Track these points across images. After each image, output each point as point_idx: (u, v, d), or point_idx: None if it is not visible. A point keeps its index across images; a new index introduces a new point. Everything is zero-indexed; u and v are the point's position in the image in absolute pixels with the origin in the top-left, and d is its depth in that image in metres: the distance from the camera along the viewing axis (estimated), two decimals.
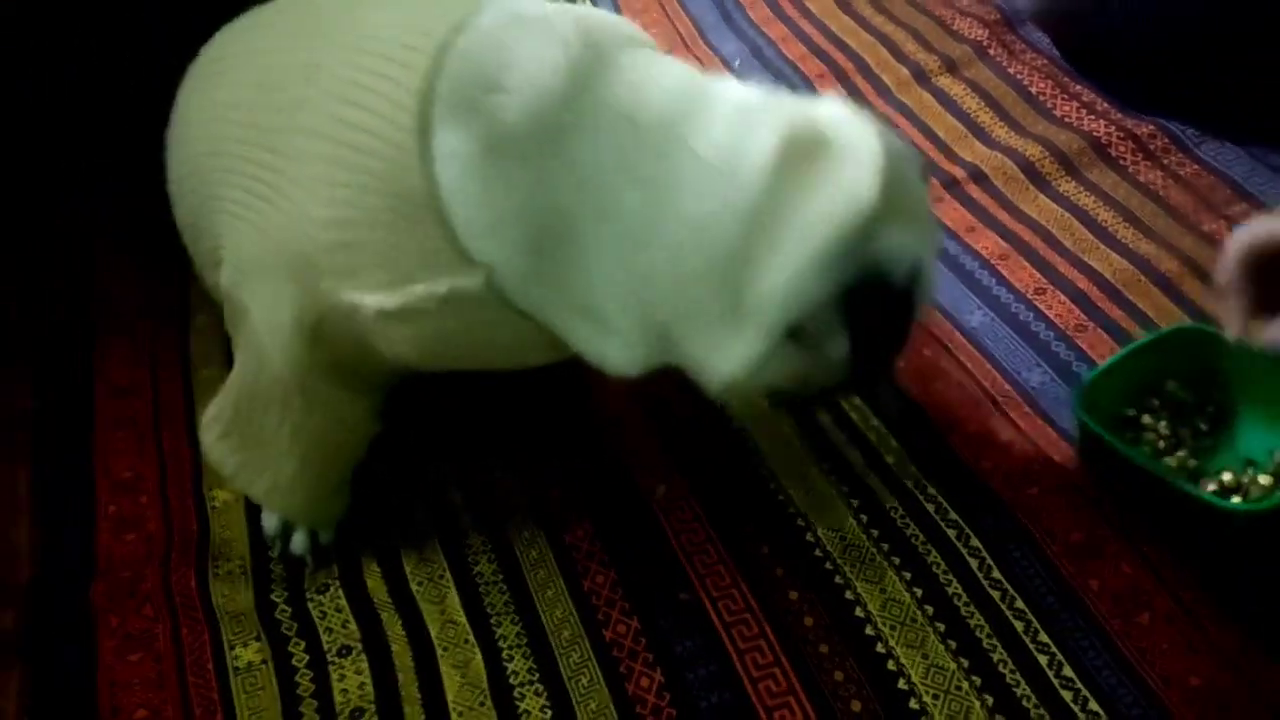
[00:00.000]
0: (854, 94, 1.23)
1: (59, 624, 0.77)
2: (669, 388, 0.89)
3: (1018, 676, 0.69)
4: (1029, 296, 0.96)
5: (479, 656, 0.73)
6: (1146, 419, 0.82)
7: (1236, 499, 0.75)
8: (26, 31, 1.04)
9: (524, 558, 0.79)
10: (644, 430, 0.87)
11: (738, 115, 0.63)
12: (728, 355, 0.63)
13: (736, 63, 1.31)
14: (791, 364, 0.64)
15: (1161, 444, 0.80)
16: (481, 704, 0.71)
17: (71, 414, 0.94)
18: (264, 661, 0.74)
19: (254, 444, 0.74)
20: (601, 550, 0.79)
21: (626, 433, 0.87)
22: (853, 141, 0.62)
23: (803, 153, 0.61)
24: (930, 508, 0.79)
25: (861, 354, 0.64)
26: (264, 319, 0.69)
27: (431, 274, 0.64)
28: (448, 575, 0.78)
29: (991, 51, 1.26)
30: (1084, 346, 0.90)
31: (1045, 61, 1.24)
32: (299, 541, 0.79)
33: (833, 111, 0.65)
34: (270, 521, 0.80)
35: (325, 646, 0.75)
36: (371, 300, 0.65)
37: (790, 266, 0.60)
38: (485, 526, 0.81)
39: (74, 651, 0.75)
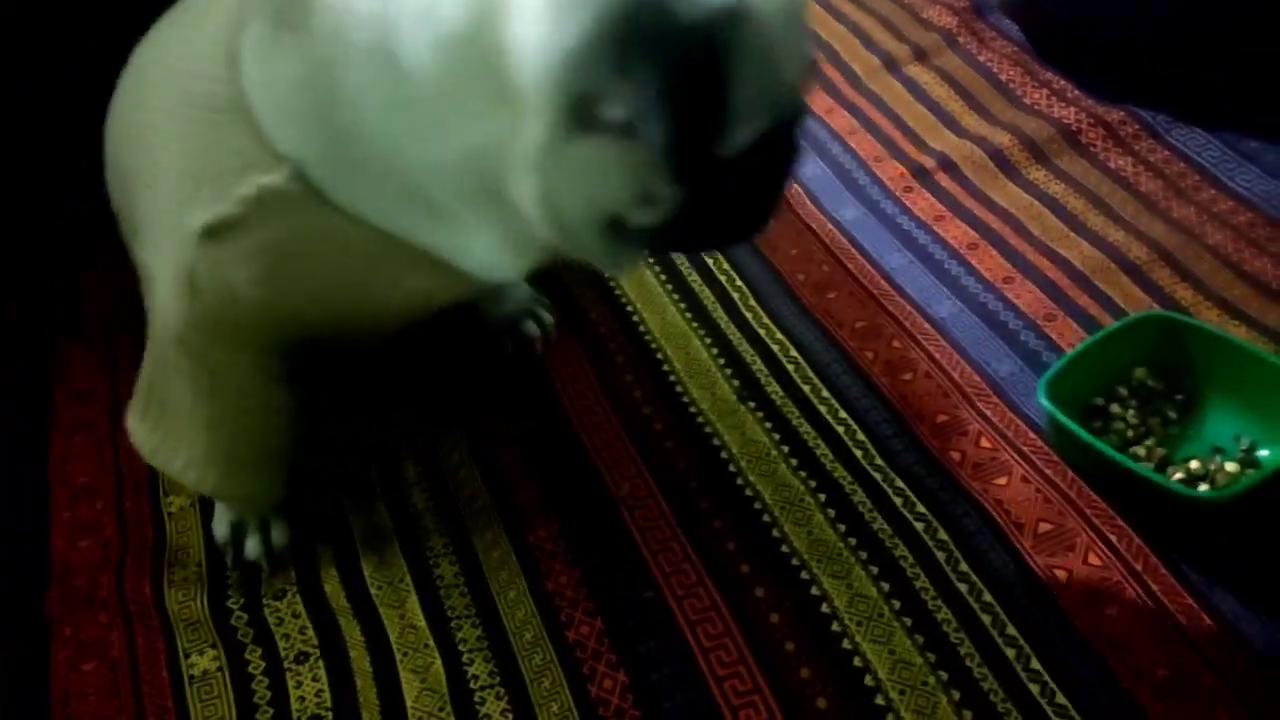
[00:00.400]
0: (823, 83, 1.22)
1: (12, 632, 0.76)
2: (635, 384, 0.89)
3: (985, 670, 0.68)
4: (998, 286, 0.95)
5: (439, 661, 0.72)
6: (1115, 408, 0.81)
7: (1204, 487, 0.74)
8: (26, 31, 1.02)
9: (486, 559, 0.78)
10: (609, 427, 0.86)
11: None
12: (522, 160, 0.53)
13: None
14: (605, 167, 0.53)
15: (1130, 432, 0.79)
16: (441, 709, 0.69)
17: (28, 419, 0.92)
18: (220, 669, 0.73)
19: (167, 419, 0.73)
20: (565, 550, 0.78)
21: (592, 431, 0.86)
22: None
23: None
24: (898, 501, 0.78)
25: (679, 133, 0.50)
26: (158, 278, 0.68)
27: (239, 175, 0.61)
28: (408, 579, 0.77)
29: (961, 39, 1.25)
30: (1053, 335, 0.89)
31: (1015, 49, 1.23)
32: (252, 546, 0.77)
33: None
34: (220, 528, 0.79)
35: (282, 653, 0.73)
36: (197, 218, 0.62)
37: (532, 14, 0.49)
38: (447, 528, 0.80)
39: (27, 660, 0.74)
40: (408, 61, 0.54)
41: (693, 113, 0.50)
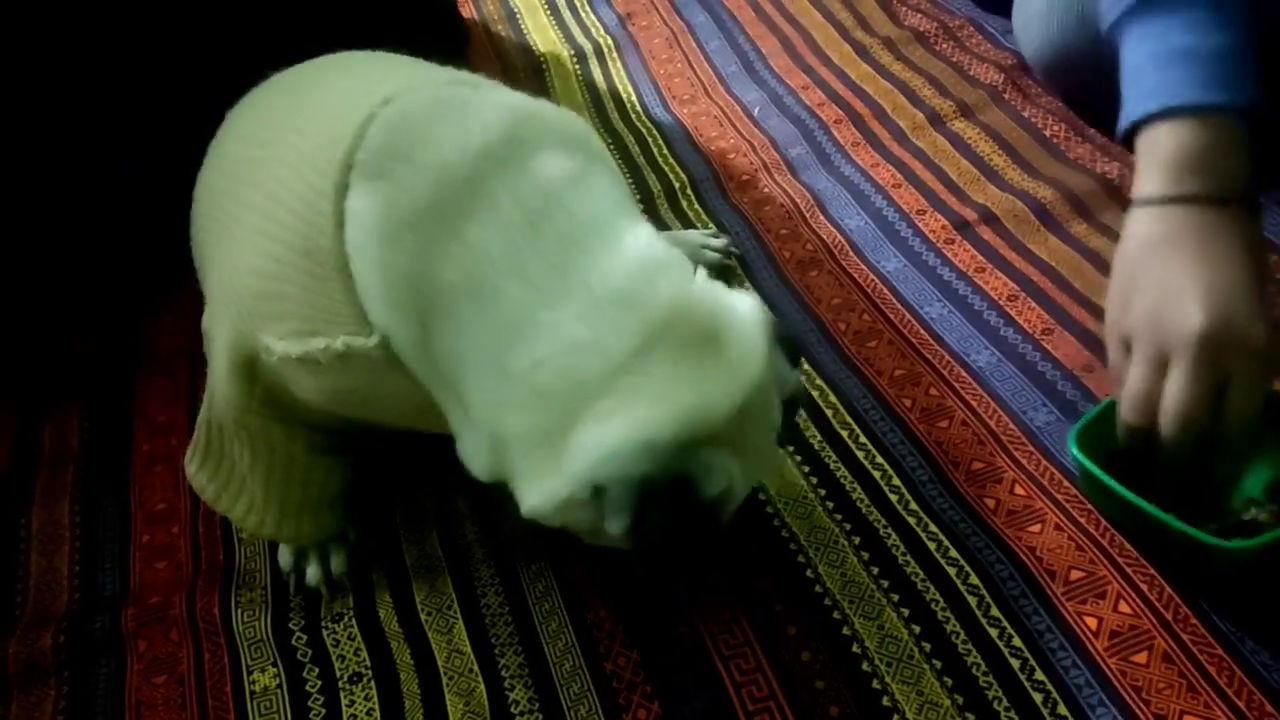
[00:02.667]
0: (870, 138, 1.26)
1: (93, 647, 0.82)
2: None
3: (1012, 714, 0.69)
4: (1037, 337, 0.97)
5: (482, 686, 0.75)
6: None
7: (1237, 536, 0.74)
8: (121, 79, 1.10)
9: (530, 590, 0.81)
10: None
11: (640, 264, 0.65)
12: (537, 486, 0.65)
13: (757, 110, 1.35)
14: (585, 516, 0.66)
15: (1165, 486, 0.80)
16: None
17: (113, 450, 0.99)
18: (279, 686, 0.77)
19: (224, 470, 0.79)
20: (606, 584, 0.81)
21: None
22: (741, 356, 0.65)
23: (691, 333, 0.64)
24: (931, 545, 0.80)
25: (640, 543, 0.65)
26: (216, 352, 0.75)
27: (332, 329, 0.67)
28: (455, 606, 0.81)
29: (1006, 95, 1.28)
30: (1091, 386, 0.91)
31: (1060, 105, 1.25)
32: (312, 574, 0.82)
33: (741, 307, 0.67)
34: (284, 557, 0.84)
35: (338, 673, 0.78)
36: (279, 346, 0.69)
37: (616, 436, 0.62)
38: (494, 560, 0.84)
39: (105, 674, 0.79)
40: (529, 349, 0.63)
41: (661, 538, 0.66)
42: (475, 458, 0.68)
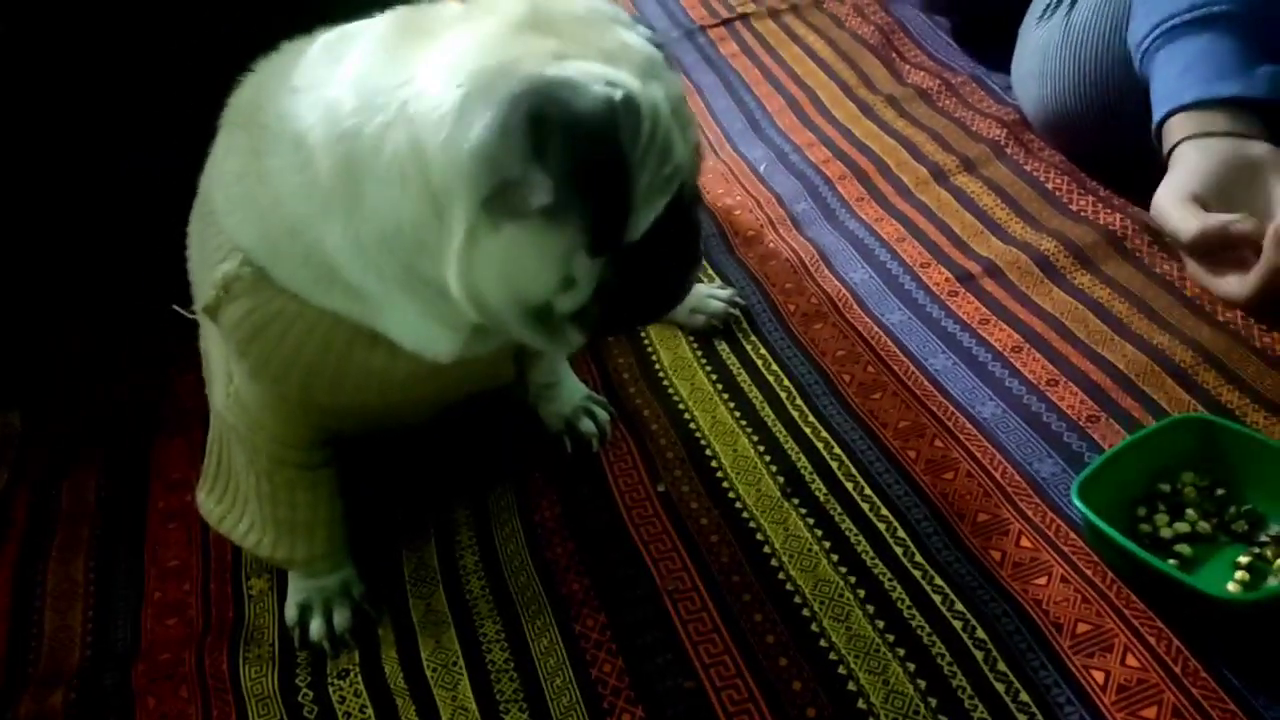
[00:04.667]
0: (874, 193, 1.28)
1: (103, 704, 0.82)
2: (684, 479, 0.93)
3: None
4: (1041, 388, 0.97)
5: None
6: (1157, 508, 0.82)
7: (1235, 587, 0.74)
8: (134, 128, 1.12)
9: (535, 646, 0.82)
10: (658, 521, 0.90)
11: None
12: (443, 249, 0.58)
13: (763, 167, 1.38)
14: (524, 255, 0.57)
15: (1167, 533, 0.79)
16: None
17: (129, 507, 1.01)
18: None
19: (230, 489, 0.81)
20: (610, 640, 0.81)
21: (641, 525, 0.90)
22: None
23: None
24: (937, 599, 0.80)
25: (594, 213, 0.55)
26: (212, 361, 0.78)
27: (213, 266, 0.67)
28: (461, 662, 0.81)
29: (1009, 150, 1.30)
30: (1096, 437, 0.91)
31: (1062, 159, 1.27)
32: (316, 629, 0.83)
33: None
34: (290, 610, 0.85)
35: None
36: (199, 303, 0.70)
37: (441, 112, 0.54)
38: (500, 615, 0.84)
39: None
40: (314, 151, 0.60)
41: (604, 193, 0.56)
42: (419, 327, 0.65)
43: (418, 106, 0.56)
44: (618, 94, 0.55)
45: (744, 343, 1.09)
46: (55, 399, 1.15)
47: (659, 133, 0.58)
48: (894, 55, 1.56)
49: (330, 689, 0.81)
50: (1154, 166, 1.06)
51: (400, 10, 0.64)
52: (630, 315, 0.70)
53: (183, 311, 0.81)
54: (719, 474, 0.94)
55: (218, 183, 0.69)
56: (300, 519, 0.81)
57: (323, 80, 0.62)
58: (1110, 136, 1.18)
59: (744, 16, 1.75)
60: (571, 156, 0.54)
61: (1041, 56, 1.23)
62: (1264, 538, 0.78)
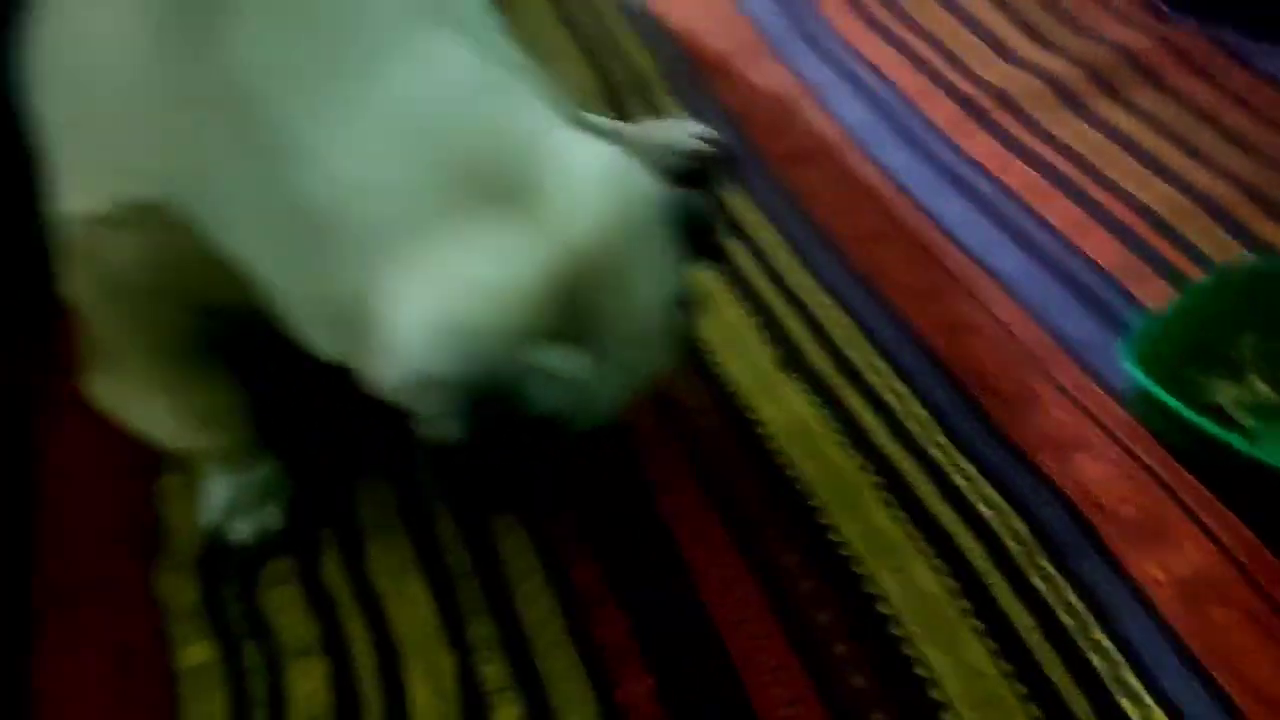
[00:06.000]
0: (858, 10, 1.11)
1: None
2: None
3: (1070, 685, 0.59)
4: (1068, 236, 0.85)
5: (449, 658, 0.64)
6: (1214, 377, 0.71)
7: None
8: None
9: (501, 546, 0.70)
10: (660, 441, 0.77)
11: (450, 80, 0.52)
12: (373, 364, 0.53)
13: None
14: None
15: (1232, 404, 0.70)
16: (450, 716, 0.62)
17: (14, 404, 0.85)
18: (214, 662, 0.66)
19: (118, 371, 0.68)
20: (590, 537, 0.70)
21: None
22: (560, 217, 0.50)
23: (499, 181, 0.50)
24: (963, 485, 0.69)
25: (476, 457, 0.53)
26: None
27: (121, 179, 0.57)
28: (415, 567, 0.69)
29: None
30: (1134, 290, 0.80)
31: None
32: (243, 528, 0.71)
33: (583, 155, 0.53)
34: (210, 511, 0.72)
35: (281, 648, 0.66)
36: (79, 204, 0.59)
37: (424, 322, 0.49)
38: (458, 509, 0.72)
39: (10, 651, 0.67)
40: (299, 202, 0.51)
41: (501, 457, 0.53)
42: (314, 334, 0.56)
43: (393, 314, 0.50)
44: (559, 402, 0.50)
45: (720, 189, 0.94)
46: None
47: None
48: None
49: (262, 600, 0.68)
50: None
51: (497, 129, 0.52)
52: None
53: None
54: (705, 354, 0.81)
55: (158, 91, 0.54)
56: (208, 408, 0.69)
57: (372, 217, 0.50)
58: None
59: None
60: (490, 440, 0.51)
61: None
62: None
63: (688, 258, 0.56)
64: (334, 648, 0.66)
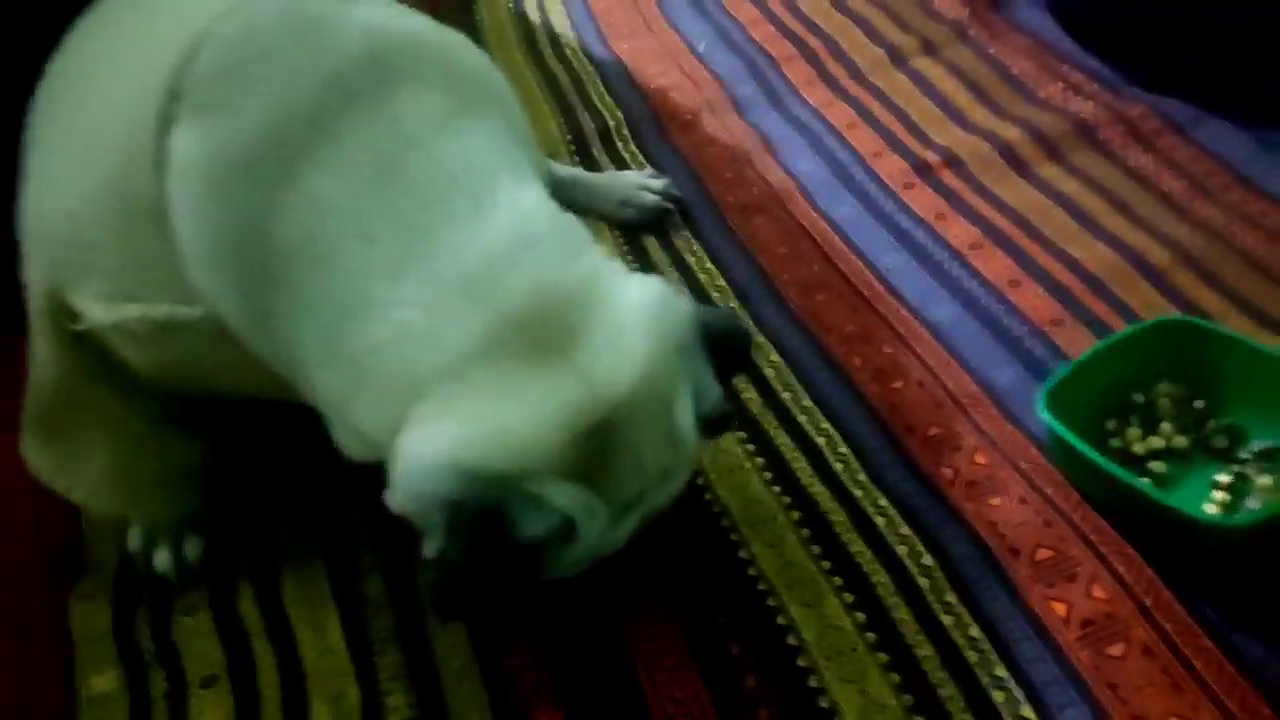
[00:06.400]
0: (824, 76, 1.15)
1: None
2: None
3: (969, 717, 0.59)
4: (1001, 288, 0.87)
5: (355, 688, 0.64)
6: (1127, 422, 0.73)
7: (1248, 503, 0.65)
8: None
9: (419, 578, 0.70)
10: None
11: (508, 237, 0.54)
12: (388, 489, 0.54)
13: (702, 45, 1.23)
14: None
15: (1141, 449, 0.71)
16: None
17: None
18: (119, 690, 0.66)
19: (61, 441, 0.66)
20: None
21: None
22: (605, 366, 0.52)
23: (546, 333, 0.52)
24: (880, 521, 0.70)
25: (436, 575, 0.54)
26: (33, 312, 0.63)
27: (151, 293, 0.57)
28: (330, 597, 0.70)
29: (972, 32, 1.18)
30: (1060, 343, 0.81)
31: (1029, 42, 1.15)
32: (162, 560, 0.71)
33: (631, 300, 0.55)
34: (134, 539, 0.72)
35: (188, 676, 0.66)
36: (93, 311, 0.58)
37: (427, 450, 0.52)
38: (378, 541, 0.73)
39: None
40: (366, 326, 0.53)
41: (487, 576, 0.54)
42: (346, 443, 0.58)
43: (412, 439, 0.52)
44: (546, 530, 0.53)
45: (675, 238, 0.97)
46: None
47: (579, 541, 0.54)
48: None
49: (174, 628, 0.69)
50: (1142, 30, 0.94)
51: (540, 309, 0.53)
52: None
53: None
54: None
55: (191, 219, 0.54)
56: (160, 471, 0.69)
57: (411, 360, 0.53)
58: None
59: None
60: (450, 576, 0.53)
61: None
62: (1245, 454, 0.70)
63: (722, 377, 0.58)
64: (241, 676, 0.66)
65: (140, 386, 0.64)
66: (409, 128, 0.55)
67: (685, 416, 0.55)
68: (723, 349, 0.58)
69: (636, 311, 0.55)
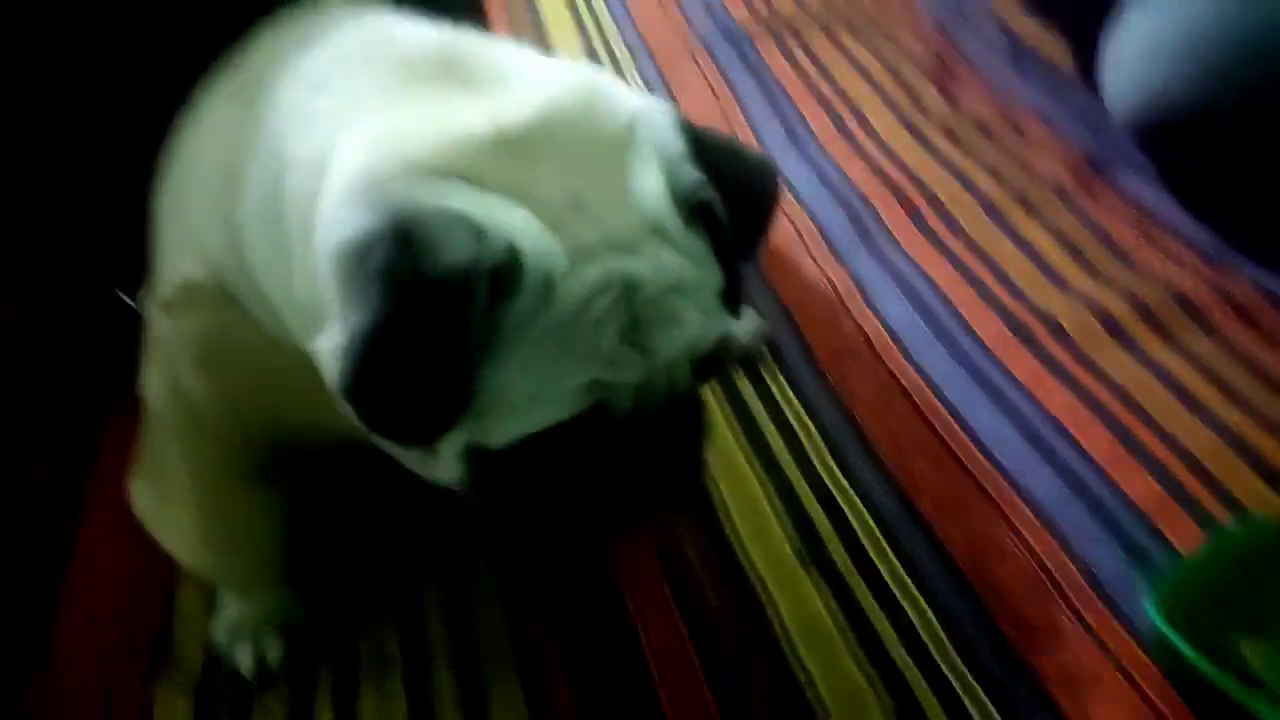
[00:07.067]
0: (922, 226, 1.16)
1: None
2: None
3: None
4: (1103, 465, 0.85)
5: None
6: (1240, 628, 0.70)
7: None
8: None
9: (492, 697, 0.69)
10: (650, 573, 0.78)
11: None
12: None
13: (801, 187, 1.26)
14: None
15: (1256, 659, 0.67)
16: None
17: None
18: None
19: (162, 485, 0.69)
20: (580, 707, 0.69)
21: (632, 579, 0.78)
22: (521, 98, 0.50)
23: (453, 73, 0.52)
24: (975, 713, 0.68)
25: (377, 333, 0.46)
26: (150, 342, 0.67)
27: (176, 259, 0.61)
28: (405, 716, 0.69)
29: (1071, 193, 1.18)
30: (1163, 529, 0.79)
31: (1130, 209, 1.15)
32: (243, 660, 0.72)
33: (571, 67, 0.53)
34: (219, 630, 0.73)
35: None
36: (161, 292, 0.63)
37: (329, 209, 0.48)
38: (457, 661, 0.72)
39: None
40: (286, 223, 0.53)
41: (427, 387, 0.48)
42: (294, 327, 0.56)
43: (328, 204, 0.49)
44: (484, 264, 0.44)
45: (767, 379, 0.97)
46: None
47: (575, 323, 0.47)
48: (946, 77, 1.44)
49: None
50: (1249, 191, 0.92)
51: (458, 42, 0.55)
52: (516, 536, 0.60)
53: (127, 299, 0.70)
54: (726, 527, 0.82)
55: (195, 164, 0.59)
56: (241, 535, 0.70)
57: (325, 112, 0.52)
58: (1215, 139, 0.97)
59: (788, 21, 1.63)
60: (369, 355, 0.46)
61: (1153, 30, 0.98)
62: None
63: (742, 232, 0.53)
64: None
65: (205, 422, 0.65)
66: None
67: (646, 179, 0.50)
68: (733, 183, 0.52)
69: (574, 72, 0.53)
